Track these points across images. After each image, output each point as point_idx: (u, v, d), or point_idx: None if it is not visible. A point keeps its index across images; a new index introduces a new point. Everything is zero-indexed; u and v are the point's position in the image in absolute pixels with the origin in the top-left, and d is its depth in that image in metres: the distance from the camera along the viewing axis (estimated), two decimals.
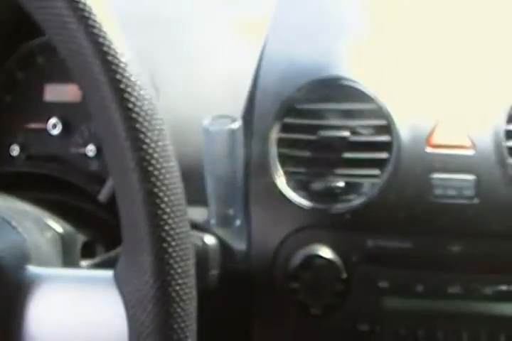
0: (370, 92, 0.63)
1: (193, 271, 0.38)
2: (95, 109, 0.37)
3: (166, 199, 0.36)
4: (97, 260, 0.59)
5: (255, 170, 0.63)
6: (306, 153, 0.63)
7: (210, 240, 0.60)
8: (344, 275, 0.60)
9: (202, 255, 0.58)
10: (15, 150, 0.73)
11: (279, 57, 0.68)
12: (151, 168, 0.36)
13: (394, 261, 0.61)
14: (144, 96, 0.37)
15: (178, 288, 0.36)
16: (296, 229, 0.62)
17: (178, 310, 0.36)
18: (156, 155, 0.36)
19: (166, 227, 0.36)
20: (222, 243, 0.61)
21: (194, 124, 0.62)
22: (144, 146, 0.36)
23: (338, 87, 0.64)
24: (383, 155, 0.61)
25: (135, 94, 0.36)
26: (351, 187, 0.62)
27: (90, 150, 0.71)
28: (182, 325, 0.36)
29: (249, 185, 0.63)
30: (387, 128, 0.62)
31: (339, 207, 0.61)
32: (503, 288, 0.60)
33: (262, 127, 0.64)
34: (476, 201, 0.60)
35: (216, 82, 0.70)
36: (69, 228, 0.58)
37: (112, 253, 0.57)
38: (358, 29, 0.70)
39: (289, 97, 0.64)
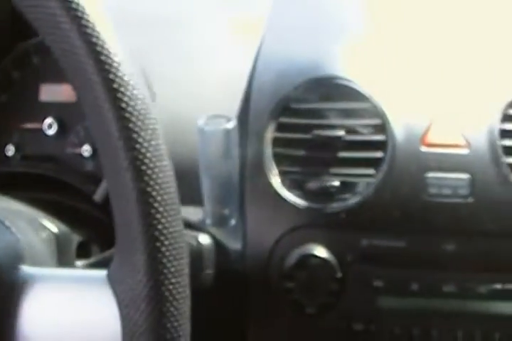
0: (365, 91, 0.63)
1: (186, 270, 0.38)
2: (88, 108, 0.38)
3: (159, 198, 0.36)
4: (92, 260, 0.59)
5: (250, 170, 0.63)
6: (301, 153, 0.63)
7: (204, 239, 0.60)
8: (339, 275, 0.60)
9: (196, 254, 0.58)
10: (10, 150, 0.73)
11: (274, 57, 0.69)
12: (144, 168, 0.36)
13: (389, 260, 0.61)
14: (136, 96, 0.37)
15: (171, 287, 0.36)
16: (292, 229, 0.62)
17: (171, 309, 0.36)
18: (149, 154, 0.37)
19: (159, 226, 0.36)
20: (217, 242, 0.61)
21: (190, 124, 0.62)
22: (137, 146, 0.36)
23: (333, 87, 0.64)
24: (378, 154, 0.61)
25: (128, 93, 0.36)
26: (346, 187, 0.62)
27: (86, 150, 0.71)
28: (175, 324, 0.37)
29: (245, 184, 0.63)
30: (382, 128, 0.62)
31: (334, 206, 0.61)
32: (498, 286, 0.60)
33: (258, 127, 0.64)
34: (470, 200, 0.60)
35: (213, 81, 0.70)
36: (64, 228, 0.58)
37: (107, 253, 0.57)
38: (354, 29, 0.70)
39: (284, 97, 0.64)
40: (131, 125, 0.36)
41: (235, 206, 0.63)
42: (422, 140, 0.61)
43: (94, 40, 0.36)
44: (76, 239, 0.60)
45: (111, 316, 0.38)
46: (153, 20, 0.75)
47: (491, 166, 0.60)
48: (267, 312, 0.63)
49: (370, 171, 0.61)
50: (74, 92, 0.71)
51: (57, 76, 0.72)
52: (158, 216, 0.36)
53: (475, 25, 0.68)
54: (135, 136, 0.36)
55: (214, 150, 0.58)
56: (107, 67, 0.36)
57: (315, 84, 0.64)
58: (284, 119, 0.64)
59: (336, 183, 0.62)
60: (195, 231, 0.61)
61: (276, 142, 0.63)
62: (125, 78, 0.36)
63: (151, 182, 0.36)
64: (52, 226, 0.56)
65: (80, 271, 0.53)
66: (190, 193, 0.60)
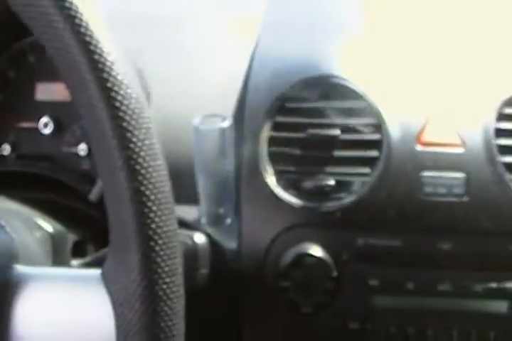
0: (360, 90, 0.63)
1: (180, 270, 0.38)
2: (83, 107, 0.37)
3: (152, 197, 0.36)
4: (87, 259, 0.59)
5: (246, 169, 0.63)
6: (297, 152, 0.63)
7: (200, 238, 0.60)
8: (335, 274, 0.60)
9: (192, 253, 0.58)
10: (6, 149, 0.73)
11: (270, 56, 0.68)
12: (138, 167, 0.36)
13: (384, 259, 0.61)
14: (130, 95, 0.37)
15: (165, 286, 0.36)
16: (287, 228, 0.62)
17: (165, 308, 0.36)
18: (143, 153, 0.36)
19: (153, 226, 0.36)
20: (212, 241, 0.61)
21: (186, 123, 0.62)
22: (131, 145, 0.36)
23: (328, 86, 0.64)
24: (373, 153, 0.61)
25: (122, 92, 0.36)
26: (342, 186, 0.62)
27: (82, 149, 0.70)
28: (169, 323, 0.36)
29: (240, 183, 0.63)
30: (378, 127, 0.62)
31: (330, 205, 0.61)
32: (493, 285, 0.60)
33: (253, 126, 0.64)
34: (465, 199, 0.60)
35: (209, 81, 0.70)
36: (59, 227, 0.58)
37: (101, 253, 0.57)
38: (349, 28, 0.70)
39: (280, 96, 0.64)
40: (124, 124, 0.36)
41: (231, 205, 0.63)
42: (418, 139, 0.61)
43: (87, 39, 0.36)
44: (71, 238, 0.60)
45: (105, 315, 0.38)
46: (150, 20, 0.75)
47: (486, 165, 0.60)
48: (263, 311, 0.63)
49: (366, 170, 0.61)
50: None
51: (53, 75, 0.72)
52: (152, 215, 0.36)
53: (470, 25, 0.68)
54: (129, 135, 0.36)
55: (209, 149, 0.58)
56: (100, 66, 0.36)
57: (311, 83, 0.64)
58: (279, 118, 0.64)
59: (332, 182, 0.62)
60: (190, 230, 0.61)
61: (271, 141, 0.63)
62: (119, 77, 0.36)
63: (145, 182, 0.36)
64: (48, 225, 0.56)
65: (73, 270, 0.52)
66: (185, 192, 0.60)
